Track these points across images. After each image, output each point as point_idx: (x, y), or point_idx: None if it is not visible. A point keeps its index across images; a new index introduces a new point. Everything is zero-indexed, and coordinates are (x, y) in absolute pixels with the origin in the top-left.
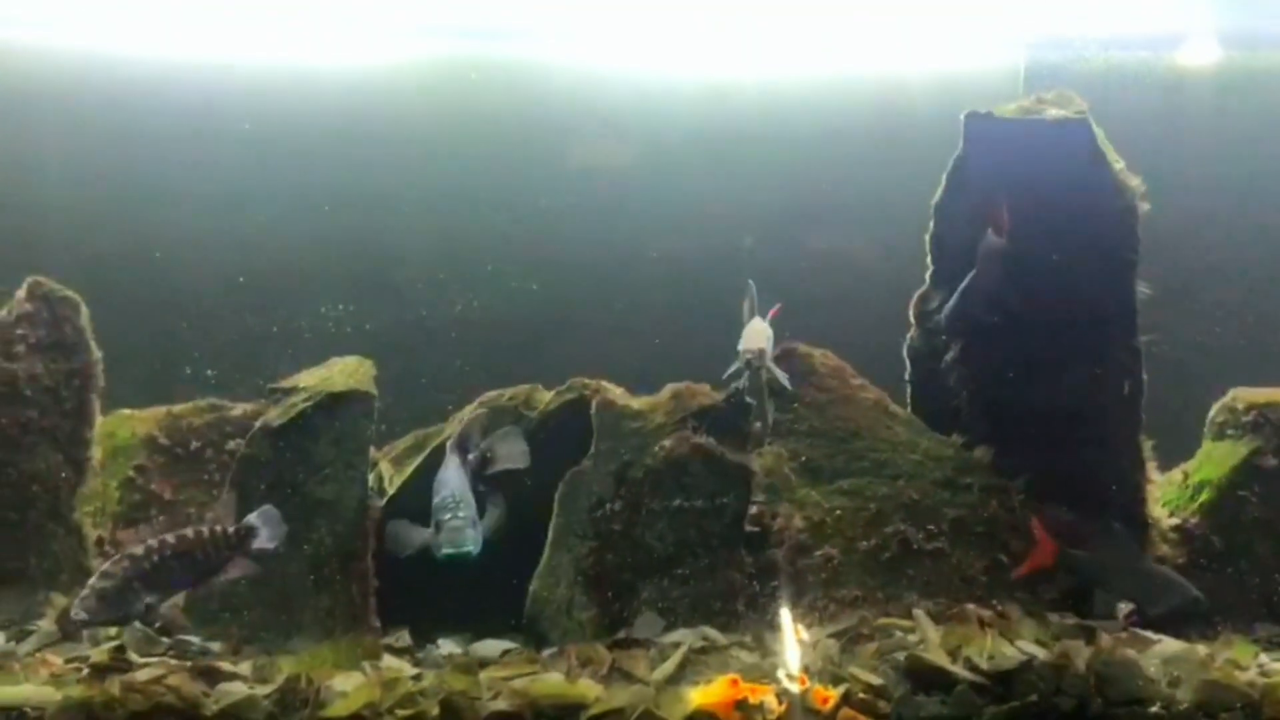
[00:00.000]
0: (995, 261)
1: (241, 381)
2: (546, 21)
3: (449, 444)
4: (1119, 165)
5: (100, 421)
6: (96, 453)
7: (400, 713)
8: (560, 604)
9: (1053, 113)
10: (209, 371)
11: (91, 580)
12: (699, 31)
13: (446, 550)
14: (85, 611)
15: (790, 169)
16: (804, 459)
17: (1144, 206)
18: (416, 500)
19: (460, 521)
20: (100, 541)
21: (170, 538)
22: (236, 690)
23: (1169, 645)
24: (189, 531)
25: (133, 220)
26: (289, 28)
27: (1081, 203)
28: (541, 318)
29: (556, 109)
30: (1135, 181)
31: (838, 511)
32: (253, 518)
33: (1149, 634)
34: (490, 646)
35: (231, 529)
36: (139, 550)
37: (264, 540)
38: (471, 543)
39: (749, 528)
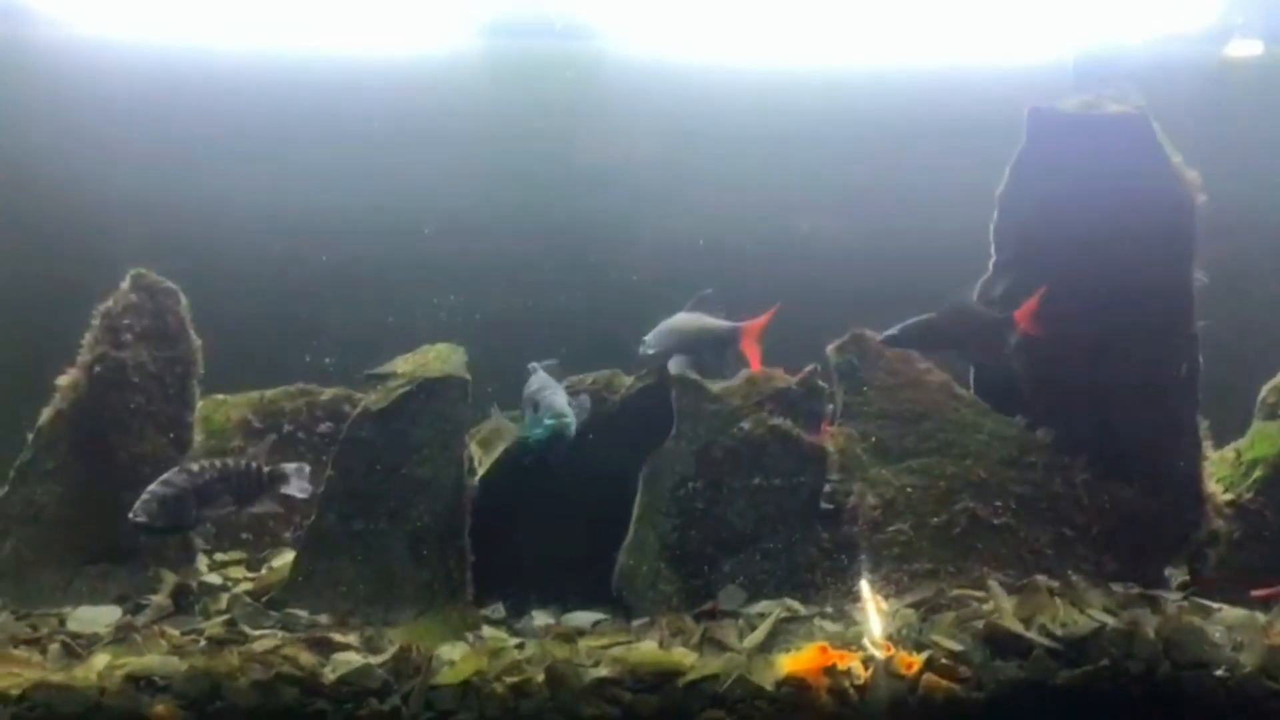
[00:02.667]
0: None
1: (359, 368)
2: (617, 18)
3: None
4: (1177, 158)
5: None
6: (197, 435)
7: (507, 680)
8: (647, 577)
9: (1112, 108)
10: (326, 359)
11: (151, 487)
12: (761, 23)
13: (548, 421)
14: (146, 515)
15: (849, 158)
16: (874, 440)
17: (1200, 198)
18: (508, 479)
19: (560, 397)
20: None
21: (218, 462)
22: (352, 660)
23: (1231, 613)
24: (231, 461)
25: (258, 218)
26: (369, 22)
27: (1141, 194)
28: (631, 306)
29: (633, 101)
30: (1192, 174)
31: (908, 489)
32: (287, 466)
33: (1210, 603)
34: (581, 618)
35: (266, 469)
36: (195, 468)
37: (292, 489)
38: (571, 415)
39: (824, 505)
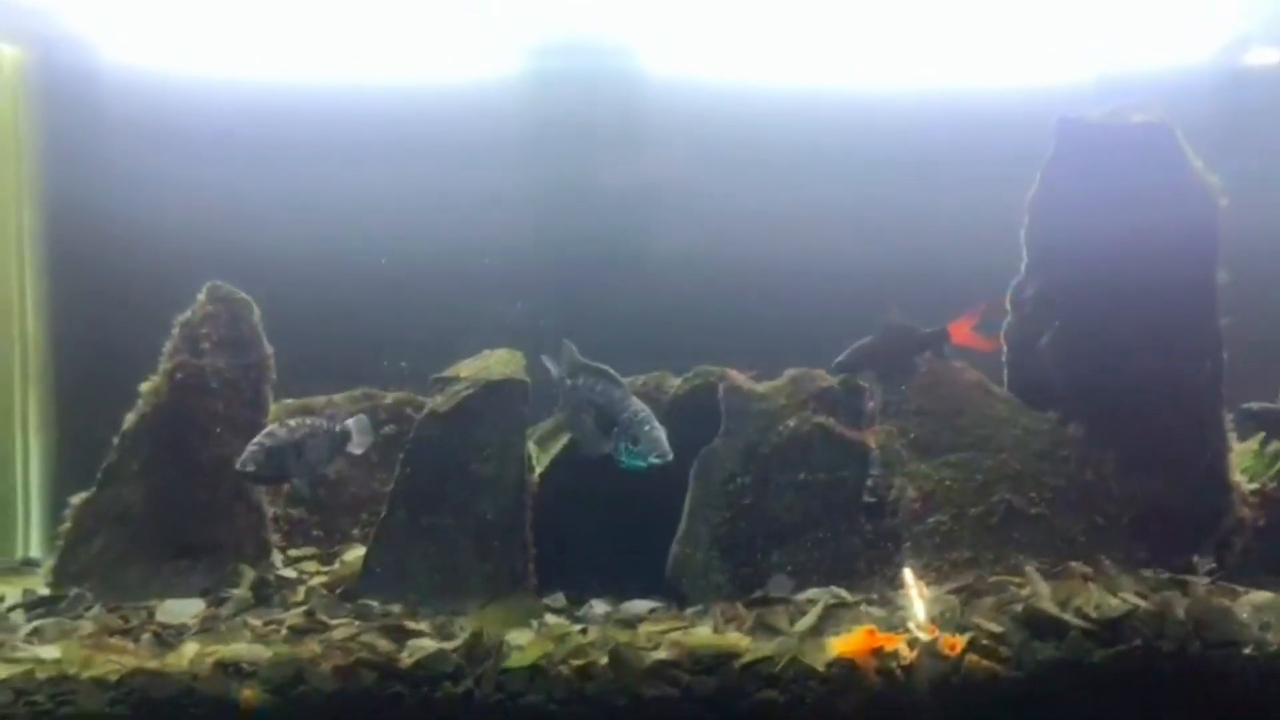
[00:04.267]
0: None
1: (428, 372)
2: (663, 38)
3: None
4: (1198, 164)
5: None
6: None
7: (574, 663)
8: (699, 567)
9: (1137, 117)
10: (402, 363)
11: (257, 439)
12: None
13: (653, 459)
14: (253, 463)
15: (877, 176)
16: (913, 435)
17: (1222, 202)
18: (565, 476)
19: (660, 431)
20: (275, 518)
21: (308, 420)
22: (427, 645)
23: (1257, 595)
24: (317, 420)
25: (328, 234)
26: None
27: (1165, 198)
28: (691, 312)
29: (679, 119)
30: (1214, 179)
31: (947, 482)
32: (349, 422)
33: (1236, 587)
34: (638, 606)
35: (337, 428)
36: (292, 423)
37: (353, 445)
38: (669, 451)
39: (867, 498)
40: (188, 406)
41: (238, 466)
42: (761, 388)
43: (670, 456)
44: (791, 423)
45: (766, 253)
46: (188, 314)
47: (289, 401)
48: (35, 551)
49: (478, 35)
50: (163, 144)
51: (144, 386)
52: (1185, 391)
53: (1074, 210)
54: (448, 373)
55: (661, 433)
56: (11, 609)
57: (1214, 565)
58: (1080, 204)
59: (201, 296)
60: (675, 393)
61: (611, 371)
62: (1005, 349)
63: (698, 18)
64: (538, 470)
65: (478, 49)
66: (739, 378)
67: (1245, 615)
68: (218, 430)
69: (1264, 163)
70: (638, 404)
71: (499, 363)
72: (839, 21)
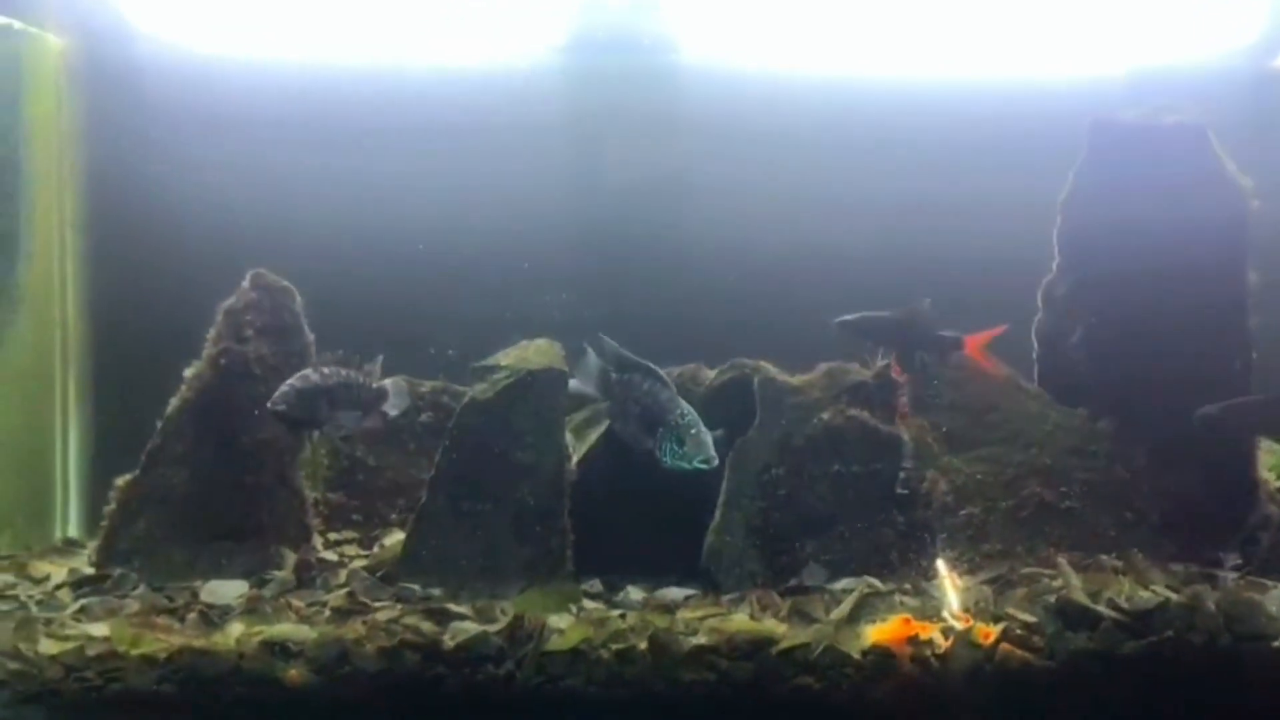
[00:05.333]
0: None
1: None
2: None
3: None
4: (1230, 165)
5: None
6: None
7: (614, 646)
8: (734, 556)
9: (1169, 118)
10: (450, 351)
11: (290, 381)
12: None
13: (698, 462)
14: (285, 403)
15: (920, 170)
16: (945, 429)
17: (1254, 203)
18: (599, 465)
19: (706, 435)
20: (315, 502)
21: (342, 370)
22: (469, 628)
23: None
24: (353, 372)
25: (381, 219)
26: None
27: (1197, 199)
28: (731, 307)
29: (713, 113)
30: (1246, 180)
31: (978, 476)
32: (386, 382)
33: (1264, 581)
34: (674, 592)
35: (374, 384)
36: (326, 369)
37: (390, 405)
38: (715, 456)
39: (899, 490)
40: (231, 392)
41: (268, 405)
42: (796, 380)
43: (716, 461)
44: (826, 415)
45: (802, 245)
46: (231, 300)
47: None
48: (73, 532)
49: (519, 20)
50: (205, 130)
51: (188, 372)
52: (1215, 389)
53: (1106, 209)
54: (488, 361)
55: (708, 436)
56: (58, 587)
57: (1240, 561)
58: (1112, 203)
59: (245, 284)
60: (709, 384)
61: (659, 370)
62: (1036, 346)
63: (735, 8)
64: (575, 458)
65: (519, 34)
66: (774, 370)
67: (1274, 609)
68: (260, 415)
69: None
70: (684, 405)
71: (537, 352)
72: (872, 13)
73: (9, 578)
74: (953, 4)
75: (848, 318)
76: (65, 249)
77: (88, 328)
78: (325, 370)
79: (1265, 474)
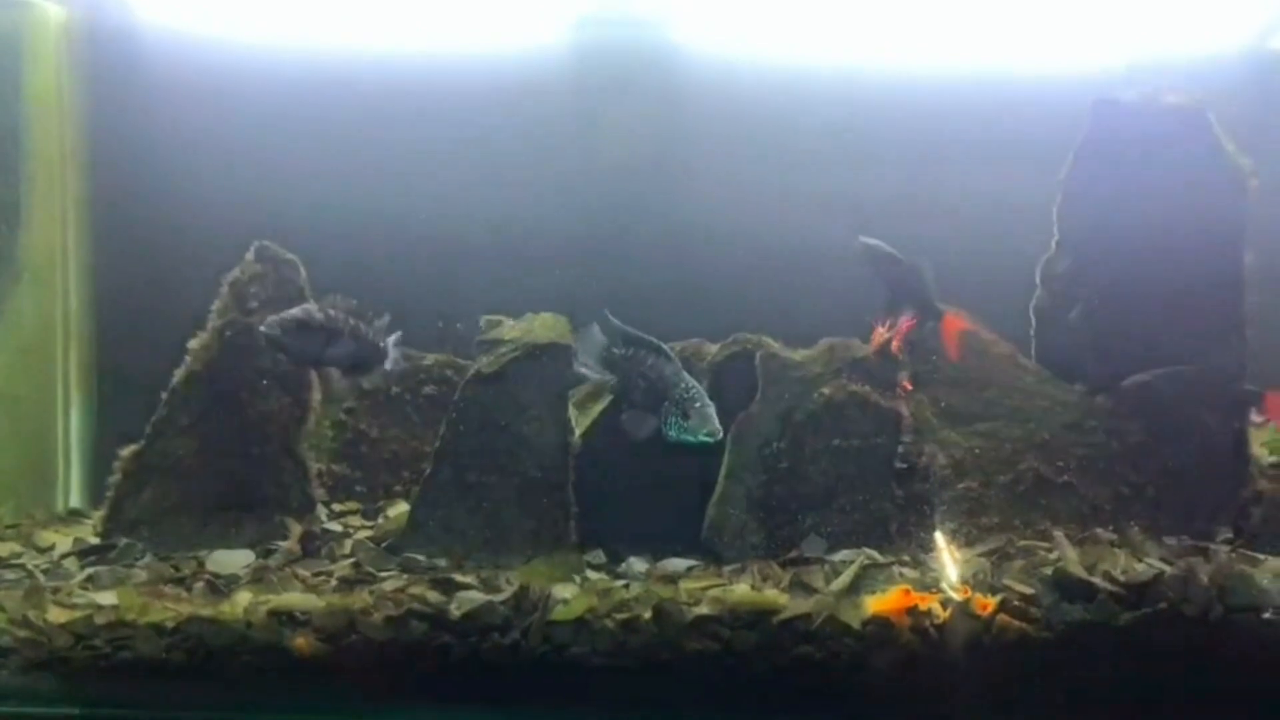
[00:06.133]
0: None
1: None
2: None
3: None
4: (1230, 146)
5: None
6: (316, 395)
7: (618, 616)
8: (735, 528)
9: (1170, 99)
10: (457, 324)
11: (291, 310)
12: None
13: (704, 435)
14: (277, 327)
15: (915, 157)
16: (944, 404)
17: (1253, 183)
18: (603, 439)
19: (711, 408)
20: (319, 474)
21: (343, 314)
22: (475, 598)
23: (1276, 562)
24: (361, 322)
25: (382, 197)
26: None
27: (1197, 179)
28: (735, 283)
29: (721, 94)
30: (1245, 161)
31: (976, 450)
32: (390, 339)
33: (1256, 554)
34: (676, 564)
35: (380, 343)
36: (332, 310)
37: (388, 362)
38: (720, 429)
39: (899, 464)
40: (237, 363)
41: (262, 328)
42: (798, 355)
43: (720, 434)
44: (827, 390)
45: (797, 230)
46: (236, 273)
47: None
48: (76, 502)
49: (521, 3)
50: (207, 102)
51: (193, 344)
52: (1210, 367)
53: (1106, 189)
54: (492, 335)
55: (712, 409)
56: (64, 557)
57: (1231, 535)
58: (1112, 183)
59: (250, 256)
60: (712, 359)
61: (664, 346)
62: (1034, 322)
63: None
64: (578, 431)
65: (521, 18)
66: (775, 345)
67: (1265, 581)
68: (265, 387)
69: None
70: (689, 379)
71: (542, 326)
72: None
73: (15, 547)
74: None
75: (871, 240)
76: (67, 220)
77: (90, 299)
78: (331, 311)
79: (1258, 450)
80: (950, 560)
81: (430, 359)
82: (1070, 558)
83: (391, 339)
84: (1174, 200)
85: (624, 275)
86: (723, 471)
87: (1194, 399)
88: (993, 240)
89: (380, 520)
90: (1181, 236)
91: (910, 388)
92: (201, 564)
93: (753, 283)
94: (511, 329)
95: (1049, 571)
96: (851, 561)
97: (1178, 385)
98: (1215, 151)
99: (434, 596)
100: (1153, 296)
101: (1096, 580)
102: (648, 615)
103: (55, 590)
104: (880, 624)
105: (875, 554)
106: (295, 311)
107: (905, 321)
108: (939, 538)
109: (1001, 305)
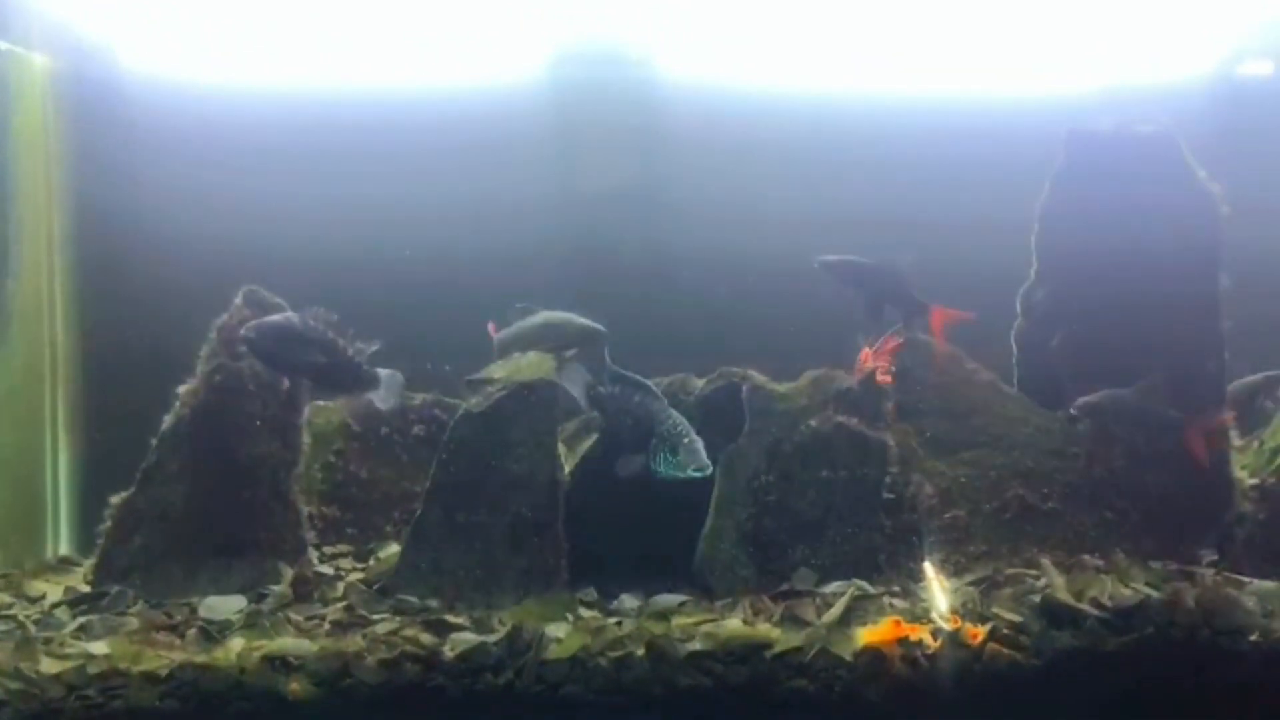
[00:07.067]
0: None
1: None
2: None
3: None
4: (1201, 173)
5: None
6: (305, 438)
7: (611, 654)
8: (725, 562)
9: (1144, 128)
10: (446, 366)
11: (271, 316)
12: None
13: (692, 470)
14: (256, 333)
15: (893, 181)
16: (929, 434)
17: (1224, 209)
18: (592, 475)
19: (698, 443)
20: (311, 517)
21: (328, 331)
22: (468, 639)
23: (1261, 585)
24: (342, 340)
25: (366, 236)
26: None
27: (1170, 206)
28: (724, 315)
29: (701, 127)
30: (1216, 188)
31: (962, 479)
32: (381, 371)
33: (1240, 576)
34: (668, 600)
35: (364, 366)
36: (312, 321)
37: (379, 398)
38: (708, 463)
39: (886, 495)
40: (226, 408)
41: (242, 331)
42: (784, 388)
43: (709, 469)
44: (814, 422)
45: (780, 256)
46: (224, 318)
47: None
48: (65, 550)
49: (501, 41)
50: (191, 149)
51: (182, 389)
52: (1188, 391)
53: (1083, 217)
54: (481, 374)
55: (700, 444)
56: (55, 606)
57: (1215, 557)
58: (1089, 211)
59: (238, 300)
60: (699, 393)
61: (650, 384)
62: (1015, 351)
63: (715, 24)
64: (567, 468)
65: (501, 54)
66: (761, 378)
67: (1251, 604)
68: (255, 431)
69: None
70: (676, 415)
71: (529, 365)
72: (849, 29)
73: (5, 597)
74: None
75: (829, 258)
76: (54, 267)
77: (77, 346)
78: (311, 321)
79: (1240, 472)
80: (939, 590)
81: (419, 399)
82: (1058, 584)
83: (386, 372)
84: (1149, 227)
85: (609, 309)
86: (712, 505)
87: (1130, 419)
88: (971, 265)
89: (372, 562)
90: (1157, 262)
91: (895, 413)
92: (194, 610)
93: (735, 314)
94: (499, 368)
95: (1037, 599)
96: (842, 593)
97: (1120, 406)
98: (1187, 178)
99: (427, 638)
100: (1130, 322)
101: (1084, 606)
102: (641, 652)
103: (47, 640)
104: (872, 655)
105: (865, 585)
106: (276, 318)
107: (891, 340)
108: (928, 567)
109: (983, 329)
